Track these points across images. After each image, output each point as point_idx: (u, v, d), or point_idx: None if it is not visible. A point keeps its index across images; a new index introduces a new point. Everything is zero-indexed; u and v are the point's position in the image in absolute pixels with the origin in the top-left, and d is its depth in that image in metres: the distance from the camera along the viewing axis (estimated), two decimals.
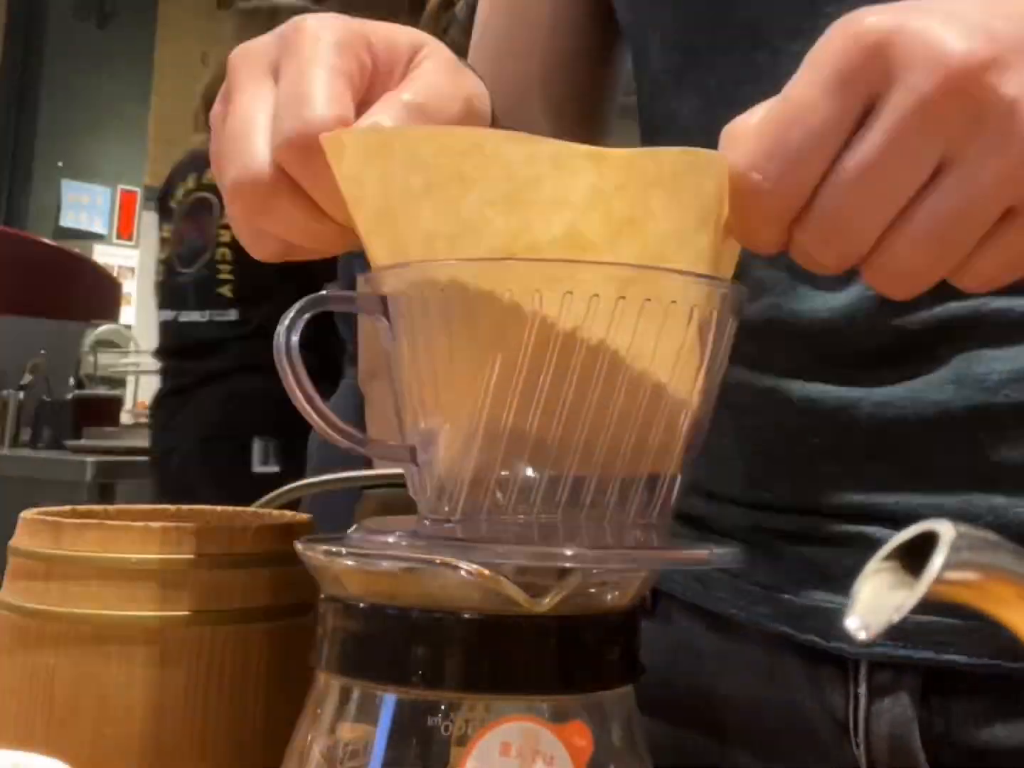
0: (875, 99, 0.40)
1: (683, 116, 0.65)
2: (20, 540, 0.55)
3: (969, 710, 0.58)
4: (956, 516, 0.56)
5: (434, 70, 0.51)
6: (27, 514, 0.56)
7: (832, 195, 0.41)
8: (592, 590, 0.42)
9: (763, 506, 0.63)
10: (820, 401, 0.60)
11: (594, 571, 0.41)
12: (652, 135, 0.70)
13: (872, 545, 0.59)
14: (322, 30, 0.48)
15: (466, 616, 0.40)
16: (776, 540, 0.62)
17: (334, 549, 0.42)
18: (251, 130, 0.48)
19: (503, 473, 0.43)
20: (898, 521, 0.58)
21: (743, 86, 0.59)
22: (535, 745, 0.39)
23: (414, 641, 0.40)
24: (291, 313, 0.44)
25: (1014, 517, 0.56)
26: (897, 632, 0.56)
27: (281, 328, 0.44)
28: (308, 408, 0.43)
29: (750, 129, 0.42)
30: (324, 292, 0.48)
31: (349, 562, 0.42)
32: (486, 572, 0.38)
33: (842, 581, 0.59)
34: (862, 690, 0.60)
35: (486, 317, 0.42)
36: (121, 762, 0.52)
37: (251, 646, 0.54)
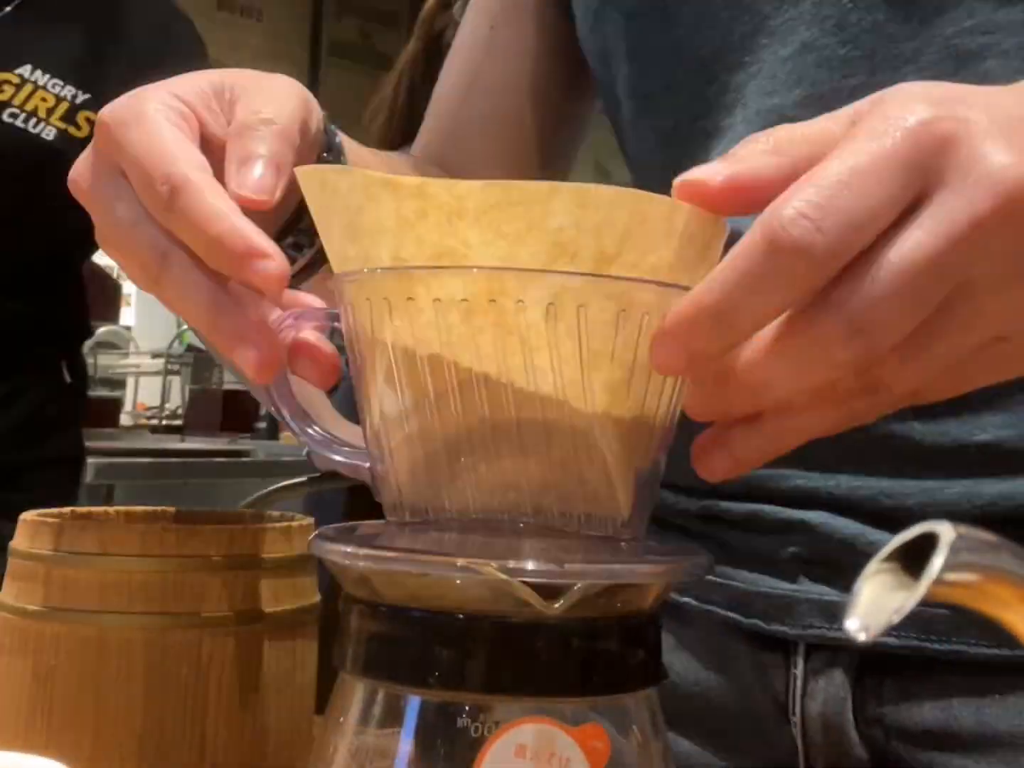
0: (921, 198, 0.37)
1: (643, 156, 0.69)
2: (20, 541, 0.55)
3: (900, 690, 0.60)
4: (887, 497, 0.59)
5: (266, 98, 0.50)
6: (27, 515, 0.56)
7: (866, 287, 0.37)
8: (612, 594, 0.42)
9: (713, 494, 0.65)
10: None
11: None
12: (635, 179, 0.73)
13: (812, 531, 0.60)
14: (131, 118, 0.47)
15: (489, 618, 0.40)
16: (724, 528, 0.65)
17: (349, 550, 0.42)
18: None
19: (444, 479, 0.44)
20: (837, 504, 0.60)
21: (697, 121, 0.64)
22: (551, 747, 0.39)
23: (435, 643, 0.40)
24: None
25: (942, 499, 0.58)
26: (832, 615, 0.60)
27: None
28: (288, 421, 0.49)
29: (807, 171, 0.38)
30: (304, 311, 0.49)
31: (362, 564, 0.42)
32: (501, 575, 0.38)
33: (783, 567, 0.62)
34: (798, 670, 0.62)
35: (367, 328, 0.44)
36: (121, 763, 0.52)
37: (251, 647, 0.54)
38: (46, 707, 0.52)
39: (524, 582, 0.39)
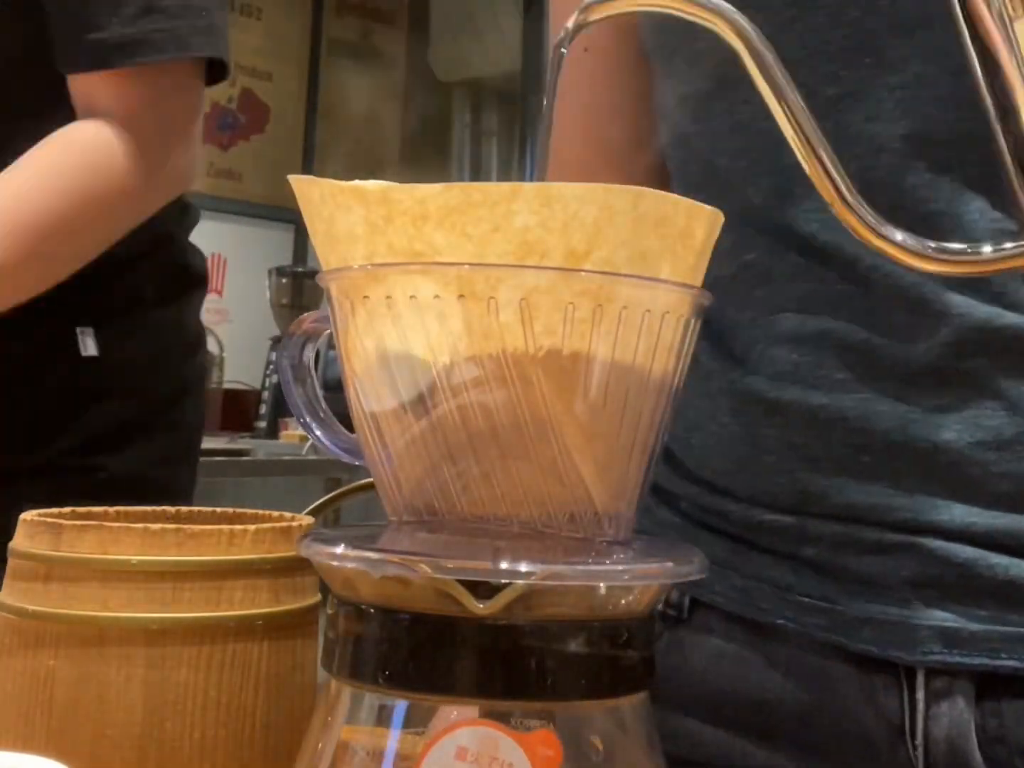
0: None
1: (714, 138, 0.67)
2: (20, 542, 0.55)
3: (1020, 710, 0.61)
4: (1007, 536, 0.59)
5: None
6: (27, 515, 0.56)
7: None
8: (567, 597, 0.41)
9: (811, 515, 0.64)
10: (875, 421, 0.61)
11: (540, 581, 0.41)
12: (682, 161, 0.71)
13: (924, 555, 0.61)
14: None
15: (476, 621, 0.40)
16: (825, 552, 0.63)
17: (338, 552, 0.42)
18: None
19: (429, 480, 0.44)
20: (951, 534, 0.60)
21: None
22: (493, 751, 0.39)
23: (387, 643, 0.40)
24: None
25: None
26: (952, 640, 0.60)
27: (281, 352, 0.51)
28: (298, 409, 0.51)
29: None
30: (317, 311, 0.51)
31: (350, 564, 0.42)
32: (433, 574, 0.38)
33: (895, 592, 0.61)
34: (920, 695, 0.61)
35: (347, 326, 0.45)
36: (121, 764, 0.52)
37: (251, 647, 0.54)
38: (46, 707, 0.52)
39: (461, 582, 0.39)
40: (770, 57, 0.42)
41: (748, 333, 0.65)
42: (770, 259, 0.63)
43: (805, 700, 0.65)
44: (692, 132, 0.68)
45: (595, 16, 0.46)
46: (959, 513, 0.60)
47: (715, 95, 0.66)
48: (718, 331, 0.66)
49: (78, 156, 1.06)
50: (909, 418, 0.60)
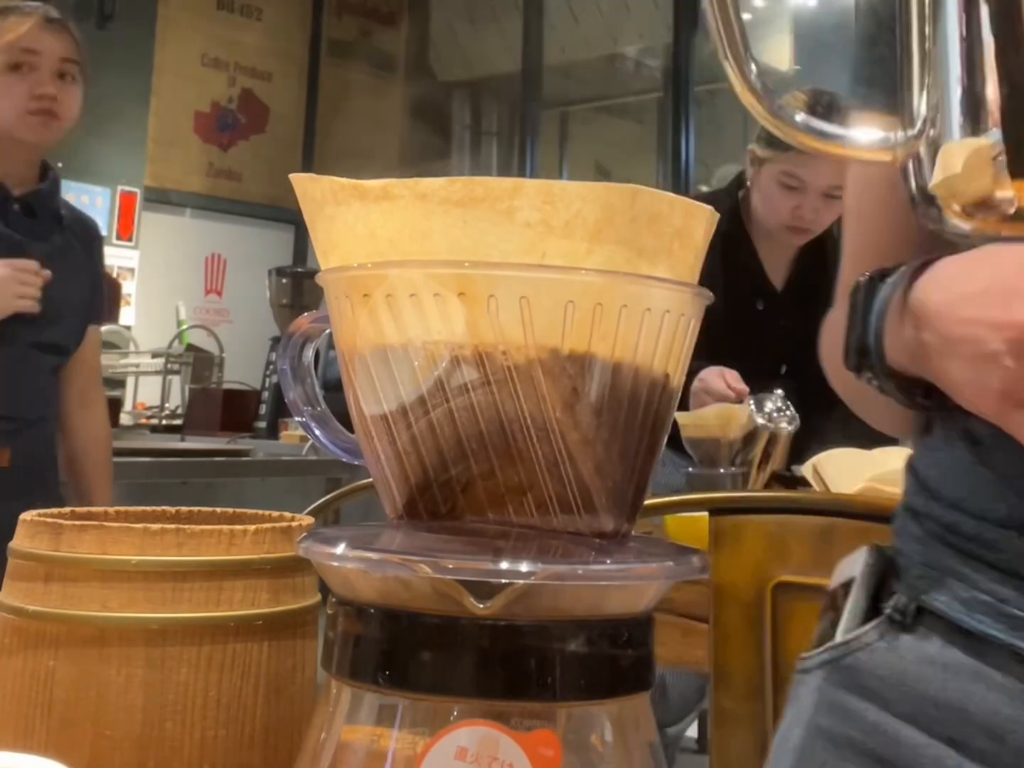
0: None
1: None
2: (20, 542, 0.55)
3: None
4: None
5: None
6: (27, 516, 0.56)
7: None
8: (567, 597, 0.41)
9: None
10: None
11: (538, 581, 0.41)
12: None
13: None
14: None
15: (476, 621, 0.39)
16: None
17: (338, 552, 0.42)
18: None
19: (429, 480, 0.43)
20: None
21: None
22: (493, 751, 0.39)
23: (387, 644, 0.40)
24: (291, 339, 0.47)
25: None
26: None
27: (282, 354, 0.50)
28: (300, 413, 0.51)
29: None
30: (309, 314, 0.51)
31: (351, 565, 0.42)
32: (433, 574, 0.38)
33: None
34: None
35: (347, 325, 0.45)
36: (121, 764, 0.52)
37: (250, 647, 0.54)
38: (46, 707, 0.52)
39: (461, 582, 0.38)
40: None
41: None
42: None
43: (1004, 715, 0.67)
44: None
45: None
46: None
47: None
48: None
49: None
50: None
